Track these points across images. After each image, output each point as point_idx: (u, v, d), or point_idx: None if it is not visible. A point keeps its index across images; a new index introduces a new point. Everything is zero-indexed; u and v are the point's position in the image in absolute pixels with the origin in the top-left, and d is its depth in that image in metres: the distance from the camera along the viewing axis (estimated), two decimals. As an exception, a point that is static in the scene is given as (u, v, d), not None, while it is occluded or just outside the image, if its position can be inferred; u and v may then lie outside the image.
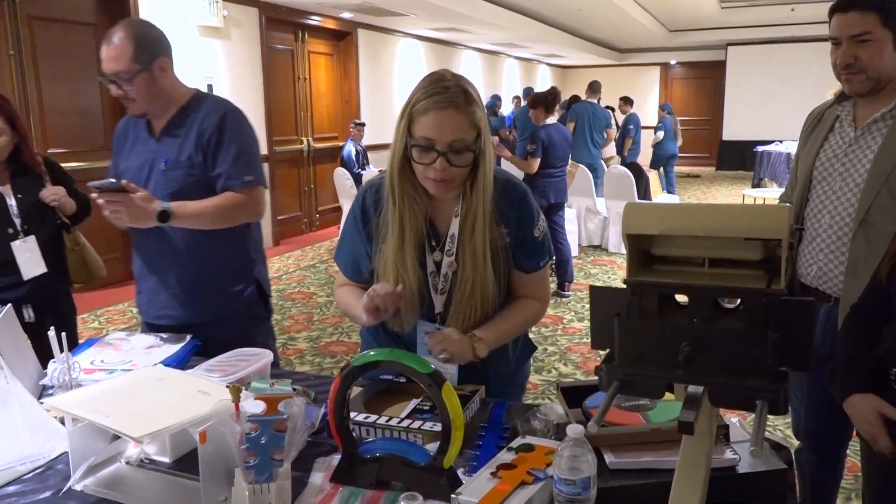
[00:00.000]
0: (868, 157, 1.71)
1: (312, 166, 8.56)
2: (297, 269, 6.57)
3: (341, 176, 7.34)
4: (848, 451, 2.05)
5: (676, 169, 15.74)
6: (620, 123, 10.37)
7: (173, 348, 1.89)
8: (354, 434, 1.35)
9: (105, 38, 1.94)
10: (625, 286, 0.96)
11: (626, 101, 10.60)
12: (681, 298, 0.99)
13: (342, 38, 9.01)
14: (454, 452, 1.22)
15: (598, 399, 1.38)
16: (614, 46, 16.04)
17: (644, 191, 7.55)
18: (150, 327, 2.13)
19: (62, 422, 1.44)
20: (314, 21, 8.21)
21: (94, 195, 1.85)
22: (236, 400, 1.11)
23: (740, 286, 0.89)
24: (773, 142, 12.67)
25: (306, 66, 8.33)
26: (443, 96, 1.42)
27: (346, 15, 8.49)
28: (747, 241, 0.91)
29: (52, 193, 2.53)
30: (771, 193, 9.50)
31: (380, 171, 1.69)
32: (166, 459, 1.35)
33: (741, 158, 15.14)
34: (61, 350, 1.62)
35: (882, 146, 1.69)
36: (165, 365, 1.71)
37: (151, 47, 1.94)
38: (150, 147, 2.05)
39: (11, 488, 1.28)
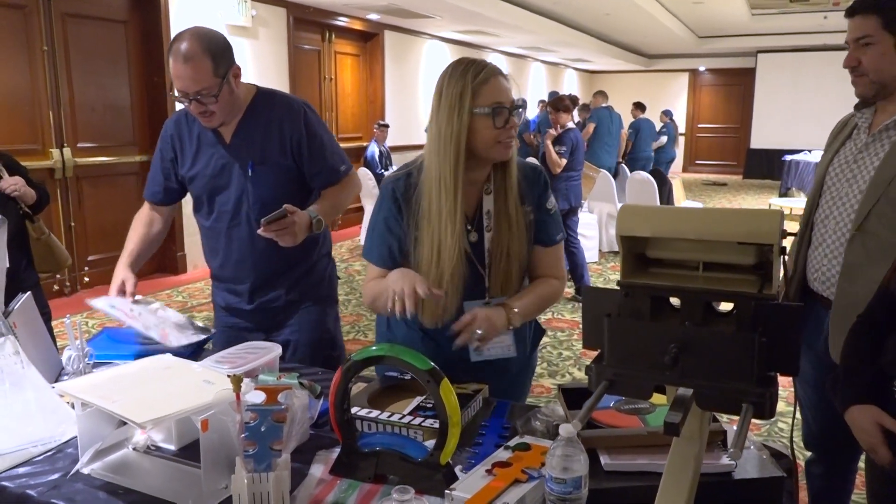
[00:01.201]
0: (874, 164, 1.71)
1: (336, 166, 8.62)
2: (317, 268, 6.62)
3: (364, 176, 7.39)
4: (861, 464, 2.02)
5: (703, 177, 15.70)
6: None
7: (199, 336, 1.95)
8: (357, 428, 1.37)
9: (174, 54, 1.82)
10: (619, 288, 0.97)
11: (638, 107, 10.78)
12: (675, 301, 0.99)
13: (369, 40, 9.07)
14: (451, 449, 1.23)
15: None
16: (642, 52, 15.94)
17: (667, 197, 7.50)
18: (228, 312, 2.19)
19: (74, 407, 1.48)
20: (341, 22, 8.27)
21: (260, 230, 1.81)
22: (237, 389, 1.14)
23: (730, 290, 0.89)
24: (801, 151, 12.50)
25: (332, 66, 8.40)
26: (489, 67, 1.55)
27: (373, 16, 8.55)
28: (740, 246, 0.92)
29: (12, 184, 2.47)
30: (798, 203, 9.38)
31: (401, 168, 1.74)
32: (172, 447, 1.39)
33: (769, 167, 14.94)
34: (76, 338, 1.67)
35: (888, 153, 1.69)
36: (180, 354, 1.76)
37: (225, 57, 1.88)
38: (221, 152, 2.02)
39: (22, 469, 1.32)
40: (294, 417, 1.17)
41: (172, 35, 6.46)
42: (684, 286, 0.92)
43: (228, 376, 1.15)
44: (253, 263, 2.08)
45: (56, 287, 5.29)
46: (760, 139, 15.43)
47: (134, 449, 1.38)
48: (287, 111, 2.01)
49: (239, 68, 1.94)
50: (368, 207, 7.19)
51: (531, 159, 7.67)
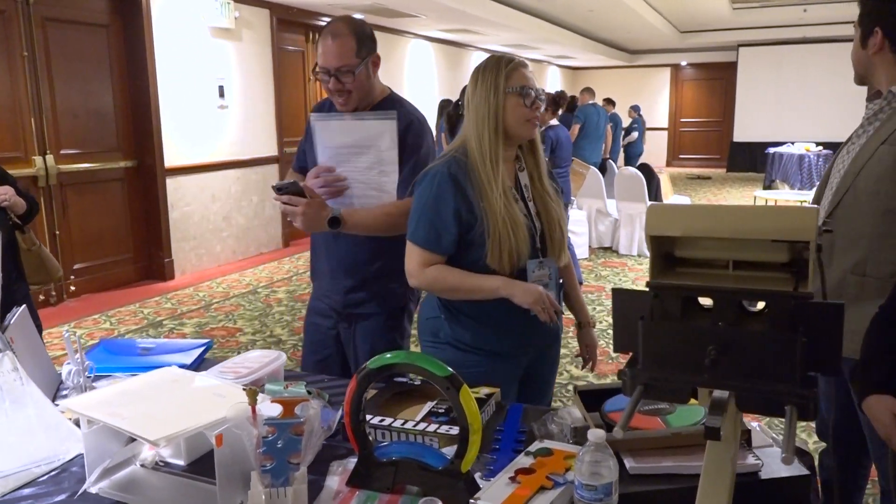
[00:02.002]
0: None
1: (323, 167, 8.55)
2: (306, 271, 6.54)
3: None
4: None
5: (686, 170, 15.82)
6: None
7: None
8: (370, 437, 1.34)
9: (323, 35, 1.99)
10: (647, 289, 0.94)
11: (609, 102, 10.96)
12: (703, 301, 0.97)
13: (353, 40, 9.00)
14: (472, 456, 1.20)
15: (616, 403, 1.36)
16: (625, 48, 15.98)
17: (655, 192, 7.51)
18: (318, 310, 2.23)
19: (76, 423, 1.44)
20: (325, 22, 8.21)
21: (274, 197, 1.90)
22: (253, 403, 1.10)
23: (768, 289, 0.87)
24: (784, 143, 12.60)
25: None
26: (518, 59, 1.79)
27: (357, 16, 8.47)
28: (773, 244, 0.89)
29: (1, 194, 2.42)
30: (783, 195, 9.45)
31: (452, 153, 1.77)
32: (181, 462, 1.34)
33: (752, 160, 15.06)
34: (76, 351, 1.62)
35: (863, 146, 1.72)
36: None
37: (367, 43, 2.00)
38: None
39: (27, 491, 1.27)
40: (312, 429, 1.14)
41: (155, 39, 6.39)
42: (718, 286, 0.90)
43: (244, 389, 1.11)
44: (321, 255, 2.16)
45: (42, 297, 5.19)
46: (743, 132, 15.54)
47: (142, 465, 1.33)
48: (400, 114, 2.02)
49: (379, 57, 2.04)
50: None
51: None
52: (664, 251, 0.97)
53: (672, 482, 1.16)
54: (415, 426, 1.42)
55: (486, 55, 12.93)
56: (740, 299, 0.90)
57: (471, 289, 1.75)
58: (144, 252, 6.13)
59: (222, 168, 6.67)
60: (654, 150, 15.94)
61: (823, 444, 2.12)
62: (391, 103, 2.08)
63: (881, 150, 1.66)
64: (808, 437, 3.10)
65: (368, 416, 1.43)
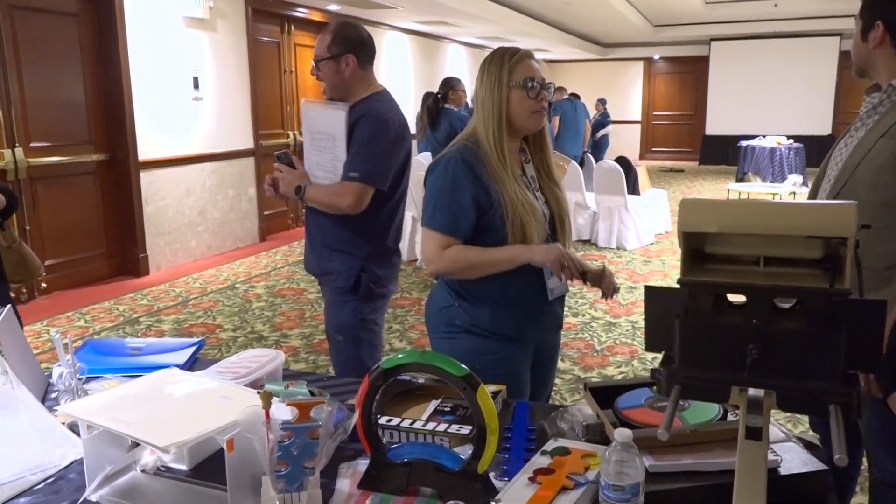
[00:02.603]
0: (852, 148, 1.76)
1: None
2: (285, 265, 6.49)
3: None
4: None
5: (659, 163, 15.98)
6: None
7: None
8: (384, 439, 1.30)
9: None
10: (680, 286, 0.92)
11: (574, 96, 10.93)
12: (733, 297, 0.96)
13: (328, 31, 8.89)
14: (489, 457, 1.18)
15: (629, 400, 1.35)
16: (598, 41, 16.05)
17: (633, 185, 7.55)
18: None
19: (71, 428, 1.38)
20: (300, 13, 8.09)
21: (276, 164, 2.28)
22: (267, 406, 1.07)
23: (805, 286, 0.86)
24: (756, 136, 12.77)
25: (292, 58, 8.22)
26: (522, 51, 1.81)
27: (333, 7, 8.38)
28: (809, 240, 0.88)
29: None
30: (755, 188, 9.57)
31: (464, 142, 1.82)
32: (183, 467, 1.30)
33: (724, 153, 15.24)
34: (66, 353, 1.55)
35: (861, 139, 1.73)
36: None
37: (344, 44, 2.22)
38: None
39: (23, 500, 1.22)
40: (328, 432, 1.10)
41: (127, 28, 6.23)
42: (754, 283, 0.88)
43: (258, 392, 1.07)
44: (306, 225, 2.41)
45: (11, 294, 5.03)
46: (715, 125, 15.72)
47: (143, 471, 1.29)
48: (359, 111, 2.21)
49: (353, 59, 2.23)
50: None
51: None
52: (694, 247, 0.95)
53: (692, 479, 1.14)
54: (424, 426, 1.39)
55: (462, 48, 12.96)
56: (777, 297, 0.89)
57: (491, 262, 1.77)
58: (118, 247, 5.99)
59: (197, 161, 6.54)
60: (627, 143, 16.06)
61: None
62: (363, 100, 2.26)
63: (880, 143, 1.67)
64: (794, 426, 3.14)
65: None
